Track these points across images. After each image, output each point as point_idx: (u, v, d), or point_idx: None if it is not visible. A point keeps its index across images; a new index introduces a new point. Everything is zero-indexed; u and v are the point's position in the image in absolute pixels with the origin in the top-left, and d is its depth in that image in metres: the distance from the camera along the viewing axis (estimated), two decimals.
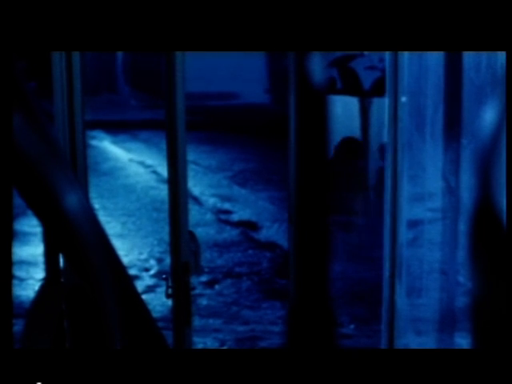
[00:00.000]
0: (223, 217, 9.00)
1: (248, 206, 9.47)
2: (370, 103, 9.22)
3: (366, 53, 9.64)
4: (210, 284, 6.74)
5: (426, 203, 4.16)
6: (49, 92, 3.01)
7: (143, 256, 7.37)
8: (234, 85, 16.33)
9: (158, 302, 5.79)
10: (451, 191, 3.95)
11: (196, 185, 10.27)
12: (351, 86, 9.68)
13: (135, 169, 11.72)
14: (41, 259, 4.91)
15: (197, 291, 4.40)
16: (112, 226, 8.27)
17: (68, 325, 2.88)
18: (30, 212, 0.78)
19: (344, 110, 9.15)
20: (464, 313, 3.90)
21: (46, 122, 0.76)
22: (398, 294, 3.77)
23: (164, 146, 3.40)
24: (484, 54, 3.61)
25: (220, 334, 5.72)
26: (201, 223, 8.42)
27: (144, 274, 6.83)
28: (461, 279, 4.06)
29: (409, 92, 3.78)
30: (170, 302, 3.74)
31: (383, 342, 3.86)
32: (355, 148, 8.76)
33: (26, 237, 7.24)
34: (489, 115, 0.76)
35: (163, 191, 8.64)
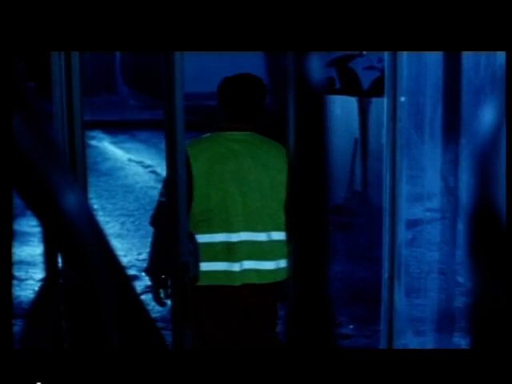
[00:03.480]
0: None
1: None
2: (369, 103, 9.22)
3: (364, 53, 9.65)
4: None
5: (424, 203, 4.17)
6: (48, 92, 3.01)
7: (142, 256, 7.37)
8: None
9: None
10: (450, 191, 3.95)
11: None
12: (350, 86, 9.68)
13: (134, 169, 11.72)
14: (40, 259, 4.89)
15: None
16: (111, 226, 8.27)
17: (67, 325, 2.88)
18: (29, 212, 0.78)
19: (343, 110, 9.16)
20: (463, 313, 3.91)
21: (45, 122, 0.76)
22: (397, 294, 3.77)
23: (163, 146, 3.40)
24: (483, 54, 3.61)
25: None
26: None
27: (143, 275, 6.83)
28: (460, 279, 4.06)
29: (408, 92, 3.78)
30: (169, 302, 3.74)
31: (382, 342, 3.86)
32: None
33: (25, 237, 7.24)
34: (488, 115, 0.76)
35: None
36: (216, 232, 3.53)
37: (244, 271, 3.56)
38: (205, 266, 3.52)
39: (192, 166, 3.41)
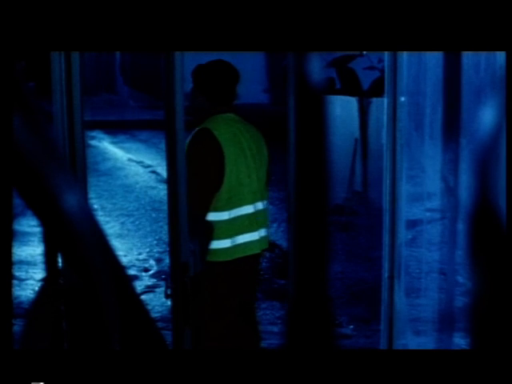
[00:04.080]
0: None
1: None
2: (369, 103, 9.23)
3: (365, 53, 9.65)
4: None
5: (424, 203, 4.16)
6: (48, 92, 3.01)
7: (142, 256, 7.37)
8: None
9: (158, 303, 5.79)
10: (450, 191, 3.95)
11: None
12: (350, 86, 9.68)
13: (134, 169, 11.72)
14: (40, 259, 4.89)
15: None
16: (111, 226, 8.27)
17: (67, 325, 2.88)
18: (29, 212, 0.78)
19: (343, 111, 9.16)
20: (463, 313, 3.91)
21: (45, 122, 0.76)
22: (397, 294, 3.77)
23: (163, 146, 3.40)
24: (483, 55, 3.61)
25: None
26: None
27: (143, 275, 6.83)
28: (460, 279, 4.06)
29: (408, 92, 3.78)
30: (169, 302, 3.74)
31: (382, 342, 3.86)
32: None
33: (25, 237, 7.24)
34: (488, 115, 0.76)
35: (162, 191, 8.62)
36: (242, 205, 3.87)
37: (260, 239, 3.98)
38: (233, 241, 3.87)
39: (222, 146, 3.79)
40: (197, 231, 3.75)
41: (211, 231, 3.80)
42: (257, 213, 3.95)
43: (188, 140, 3.72)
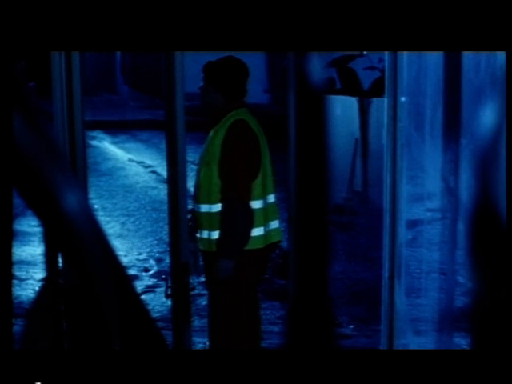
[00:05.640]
0: None
1: None
2: (369, 103, 9.21)
3: (365, 53, 9.64)
4: None
5: (425, 203, 4.16)
6: (48, 92, 3.01)
7: (142, 256, 7.37)
8: None
9: (158, 303, 5.79)
10: (450, 191, 3.95)
11: None
12: (350, 86, 9.68)
13: (135, 169, 11.71)
14: (40, 259, 4.90)
15: (196, 291, 4.38)
16: (111, 226, 8.26)
17: (67, 325, 2.88)
18: (29, 212, 0.78)
19: (343, 111, 9.15)
20: (463, 313, 3.91)
21: (45, 122, 0.76)
22: (397, 294, 3.77)
23: (164, 146, 3.40)
24: (483, 55, 3.61)
25: None
26: None
27: (143, 274, 6.83)
28: (460, 279, 4.06)
29: (408, 92, 3.78)
30: (169, 302, 3.74)
31: (383, 342, 3.86)
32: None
33: (25, 237, 7.23)
34: (488, 115, 0.76)
35: (163, 191, 8.61)
36: (269, 194, 4.04)
37: (279, 227, 4.12)
38: (265, 228, 3.99)
39: (259, 139, 3.96)
40: (241, 219, 3.86)
41: (253, 218, 3.91)
42: (276, 202, 4.09)
43: (224, 132, 3.88)
